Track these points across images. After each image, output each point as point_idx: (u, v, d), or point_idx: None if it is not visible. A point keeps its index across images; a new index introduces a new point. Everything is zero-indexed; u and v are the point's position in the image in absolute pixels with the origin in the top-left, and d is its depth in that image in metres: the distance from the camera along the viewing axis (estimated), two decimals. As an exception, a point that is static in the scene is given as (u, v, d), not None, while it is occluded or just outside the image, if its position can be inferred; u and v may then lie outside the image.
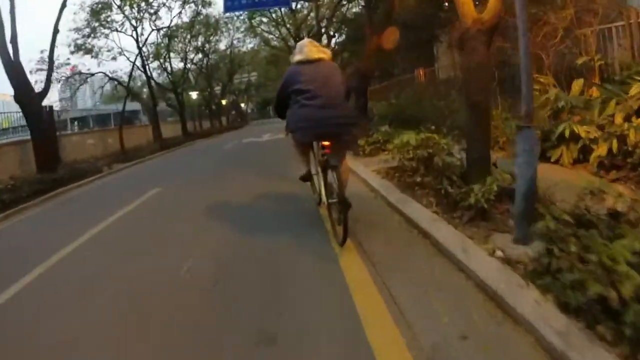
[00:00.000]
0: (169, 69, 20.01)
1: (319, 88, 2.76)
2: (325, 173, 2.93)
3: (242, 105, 47.23)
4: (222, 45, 26.29)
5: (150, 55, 18.68)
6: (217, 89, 30.90)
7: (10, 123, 12.76)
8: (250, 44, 26.27)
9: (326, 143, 2.73)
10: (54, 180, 8.00)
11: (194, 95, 25.57)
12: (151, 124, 16.04)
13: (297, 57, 2.95)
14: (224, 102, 31.67)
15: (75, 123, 23.36)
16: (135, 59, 15.73)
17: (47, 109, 11.09)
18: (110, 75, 15.64)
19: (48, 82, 8.94)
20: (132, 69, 15.34)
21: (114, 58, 16.62)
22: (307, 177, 3.38)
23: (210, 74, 25.67)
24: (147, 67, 19.01)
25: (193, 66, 24.63)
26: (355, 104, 6.32)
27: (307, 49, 2.93)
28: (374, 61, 6.04)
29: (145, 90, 27.01)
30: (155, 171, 9.34)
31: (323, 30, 15.19)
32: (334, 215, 2.88)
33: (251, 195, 4.75)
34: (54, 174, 8.28)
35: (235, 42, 26.20)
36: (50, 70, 9.09)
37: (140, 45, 16.07)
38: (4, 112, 12.79)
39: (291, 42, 20.52)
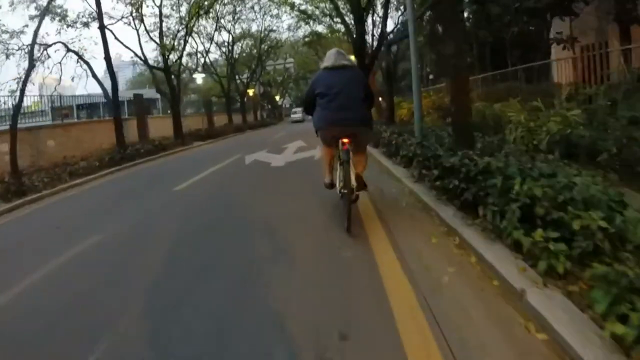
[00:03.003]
0: (159, 39, 14.39)
1: (338, 93, 3.14)
2: (342, 167, 3.19)
3: (277, 98, 41.75)
4: (253, 25, 20.88)
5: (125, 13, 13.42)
6: (245, 76, 25.52)
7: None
8: (285, 20, 20.44)
9: (345, 140, 3.12)
10: None
11: (199, 79, 19.31)
12: (114, 119, 10.19)
13: (324, 64, 3.35)
14: (250, 92, 25.94)
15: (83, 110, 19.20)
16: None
17: None
18: (69, 46, 10.58)
19: None
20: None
21: (86, 24, 11.71)
22: (332, 185, 3.48)
23: (230, 54, 20.10)
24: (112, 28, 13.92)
25: (208, 43, 19.14)
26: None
27: (334, 56, 3.30)
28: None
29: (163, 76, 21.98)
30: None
31: None
32: (345, 204, 3.14)
33: None
34: None
35: (268, 18, 20.71)
36: None
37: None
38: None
39: (349, 16, 14.71)
